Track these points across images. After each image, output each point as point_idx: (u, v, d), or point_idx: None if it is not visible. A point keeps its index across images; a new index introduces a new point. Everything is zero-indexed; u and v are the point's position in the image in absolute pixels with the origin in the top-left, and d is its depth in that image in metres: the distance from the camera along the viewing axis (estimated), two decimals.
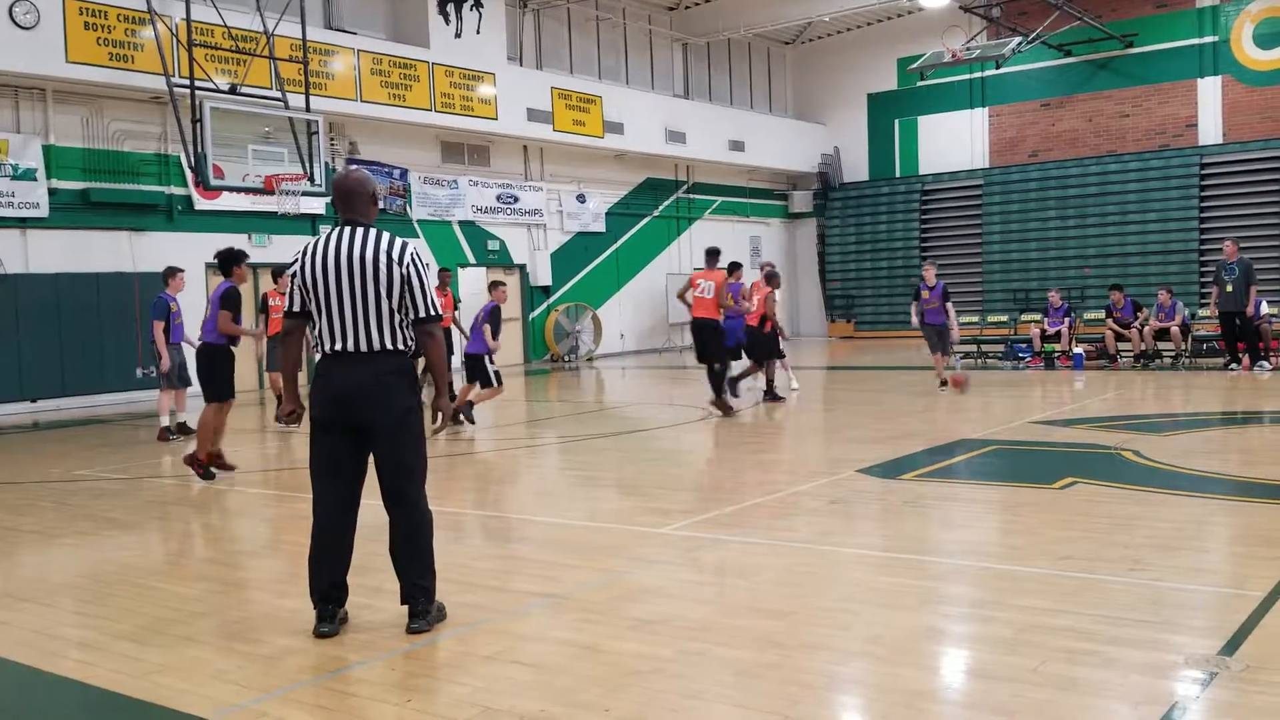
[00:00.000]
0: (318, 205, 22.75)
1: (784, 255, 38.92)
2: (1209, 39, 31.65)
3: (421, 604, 5.87)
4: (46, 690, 5.36)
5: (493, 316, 14.98)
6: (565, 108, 29.16)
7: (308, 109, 20.85)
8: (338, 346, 5.81)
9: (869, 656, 5.28)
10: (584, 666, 5.24)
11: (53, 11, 18.93)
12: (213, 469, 11.27)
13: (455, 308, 18.77)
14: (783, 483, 10.18)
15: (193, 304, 20.66)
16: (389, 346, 5.82)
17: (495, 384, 14.98)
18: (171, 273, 15.43)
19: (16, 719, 5.07)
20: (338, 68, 23.54)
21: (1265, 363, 19.31)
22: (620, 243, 32.64)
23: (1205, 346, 21.48)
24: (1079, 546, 7.16)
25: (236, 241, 22.47)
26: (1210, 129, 31.96)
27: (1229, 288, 19.29)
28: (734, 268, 18.42)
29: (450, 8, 26.16)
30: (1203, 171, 31.79)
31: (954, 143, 36.14)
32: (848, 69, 38.00)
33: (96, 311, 20.29)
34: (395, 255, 5.82)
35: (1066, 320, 22.55)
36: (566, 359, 29.43)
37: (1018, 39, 30.12)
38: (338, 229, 5.92)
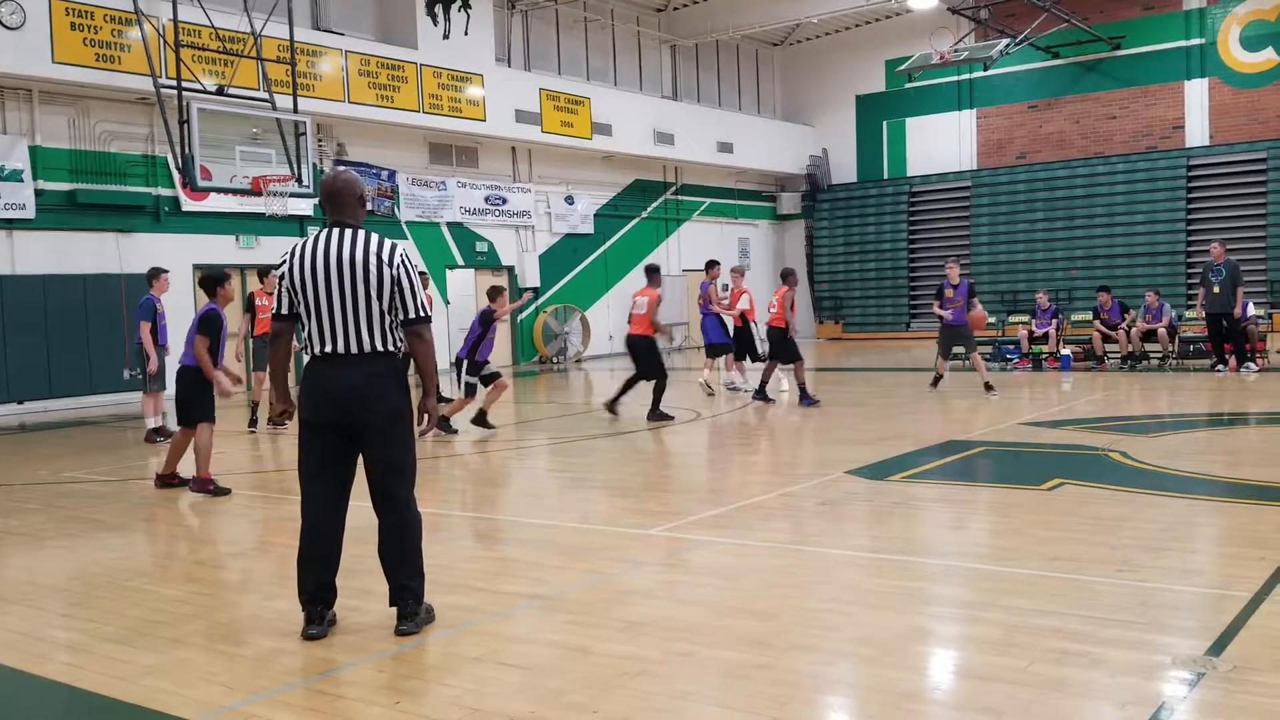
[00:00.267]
0: (305, 206, 22.73)
1: (772, 257, 38.97)
2: (1196, 41, 31.75)
3: (410, 606, 5.86)
4: (34, 693, 5.35)
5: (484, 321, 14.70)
6: (553, 109, 29.15)
7: (295, 110, 20.82)
8: (327, 348, 5.80)
9: (857, 657, 5.29)
10: (572, 668, 5.24)
11: (39, 12, 18.88)
12: (217, 483, 10.94)
13: (432, 308, 18.82)
14: (771, 484, 10.18)
15: (177, 305, 20.69)
16: (379, 348, 5.81)
17: (466, 394, 14.70)
18: (155, 274, 15.35)
19: None
20: (325, 69, 23.51)
21: (1252, 364, 19.36)
22: (609, 244, 32.63)
23: (1192, 348, 21.52)
24: (1067, 547, 7.18)
25: (224, 243, 22.51)
26: (1197, 131, 32.05)
27: (1216, 289, 19.33)
28: (710, 265, 18.69)
29: (438, 9, 26.13)
30: (1190, 173, 31.89)
31: (942, 144, 36.20)
32: (836, 71, 38.04)
33: (83, 313, 20.24)
34: (385, 257, 5.81)
35: (1054, 321, 22.59)
36: (555, 360, 29.41)
37: (1005, 41, 30.19)
38: (325, 230, 5.91)
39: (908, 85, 35.62)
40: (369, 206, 21.60)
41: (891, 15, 34.99)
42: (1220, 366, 19.50)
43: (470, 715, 4.67)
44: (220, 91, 20.00)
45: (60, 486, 11.71)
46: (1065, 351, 21.77)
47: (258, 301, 16.02)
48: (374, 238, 5.88)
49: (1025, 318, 23.72)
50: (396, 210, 26.31)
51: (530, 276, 29.81)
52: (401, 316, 5.87)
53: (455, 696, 4.91)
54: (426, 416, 6.13)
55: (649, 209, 34.32)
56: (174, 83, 19.03)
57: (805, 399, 16.59)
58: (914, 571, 6.94)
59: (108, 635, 6.10)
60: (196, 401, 10.74)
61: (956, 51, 30.36)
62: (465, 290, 28.40)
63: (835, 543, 8.01)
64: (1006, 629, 5.53)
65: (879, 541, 7.91)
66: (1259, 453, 11.50)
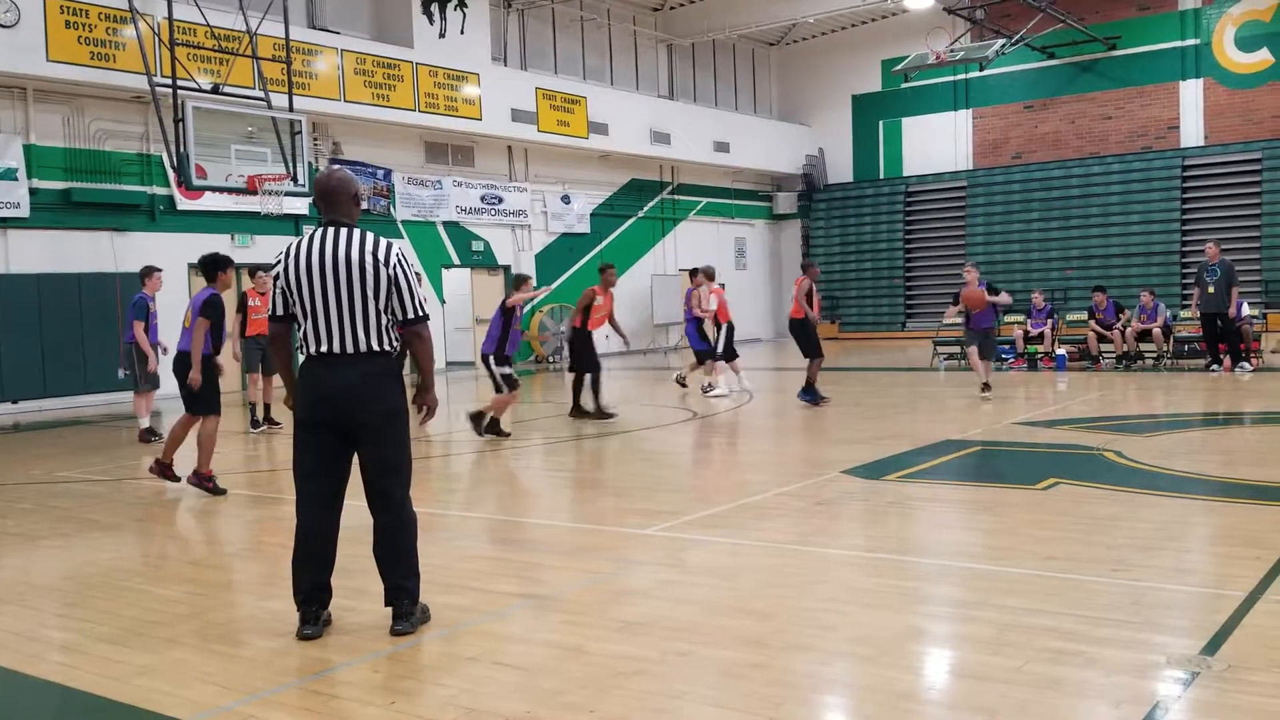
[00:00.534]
0: (301, 205, 22.70)
1: (768, 256, 39.03)
2: (1191, 42, 31.79)
3: (405, 605, 5.86)
4: (28, 693, 5.34)
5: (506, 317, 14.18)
6: (550, 108, 29.14)
7: (291, 109, 20.80)
8: (323, 348, 5.79)
9: (853, 657, 5.29)
10: (568, 668, 5.23)
11: (33, 10, 18.85)
12: (216, 481, 10.85)
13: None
14: (767, 484, 10.17)
15: (171, 304, 20.64)
16: (375, 347, 5.80)
17: (509, 388, 13.97)
18: (149, 272, 15.31)
19: None
20: (321, 67, 23.50)
21: (1246, 364, 19.38)
22: (605, 244, 32.61)
23: (1187, 348, 21.54)
24: (1062, 547, 7.18)
25: (219, 242, 22.44)
26: (1192, 131, 32.10)
27: (1211, 289, 19.34)
28: (693, 273, 18.91)
29: (434, 7, 26.08)
30: (1184, 174, 31.93)
31: (938, 144, 36.23)
32: (832, 70, 38.06)
33: (78, 312, 20.20)
34: (381, 256, 5.80)
35: (1049, 321, 22.62)
36: (551, 360, 29.40)
37: (1001, 41, 30.19)
38: (320, 230, 5.89)
39: (904, 85, 35.63)
40: (364, 205, 21.68)
41: (887, 15, 35.01)
42: (1215, 366, 19.52)
43: (466, 715, 4.67)
44: (215, 90, 19.99)
45: (54, 486, 11.70)
46: (1060, 351, 21.78)
47: (251, 302, 15.95)
48: (370, 237, 5.86)
49: (1021, 317, 23.71)
50: (392, 209, 26.29)
51: (527, 275, 29.77)
52: (400, 316, 5.86)
53: (451, 696, 4.91)
54: (425, 408, 6.12)
55: (645, 208, 34.32)
56: (169, 81, 19.02)
57: (808, 394, 16.30)
58: (910, 571, 6.95)
59: (102, 635, 6.09)
60: (202, 392, 10.61)
61: (952, 51, 30.36)
62: (461, 290, 28.40)
63: (831, 542, 8.01)
64: (1001, 628, 5.53)
65: (875, 541, 7.92)
66: (1253, 452, 11.51)
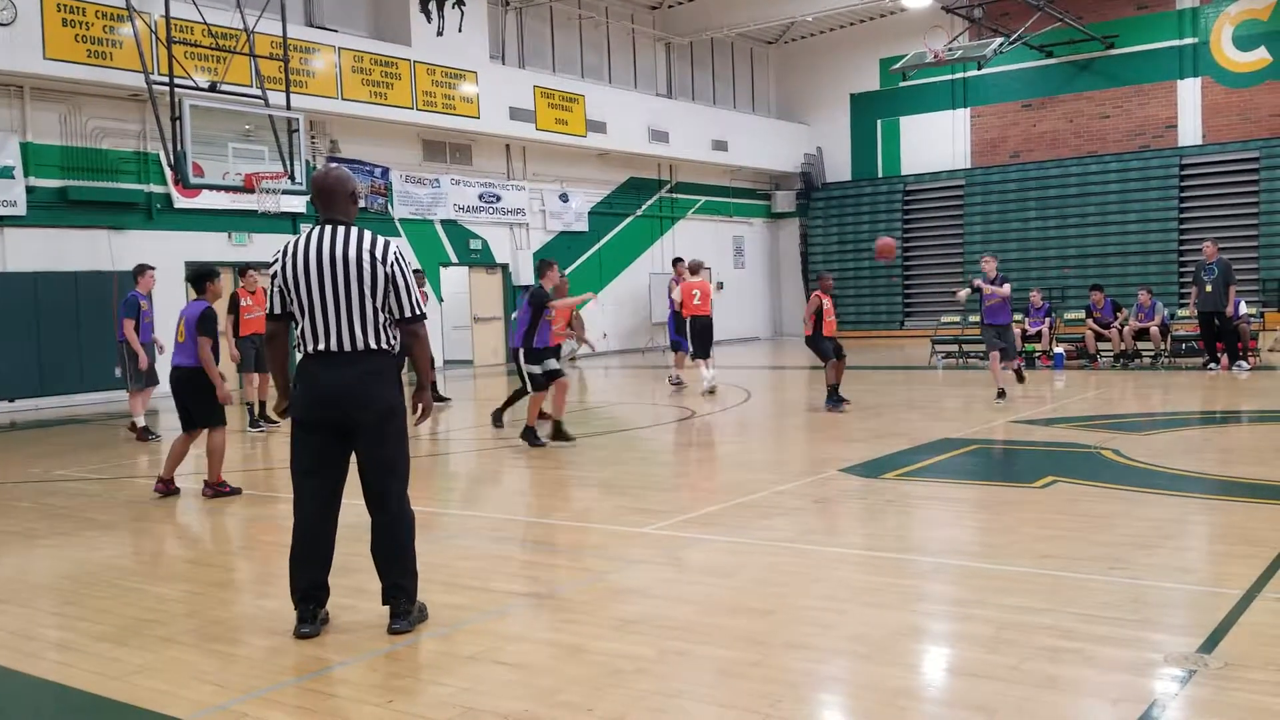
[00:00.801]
0: (298, 204, 22.71)
1: (766, 255, 39.04)
2: (1189, 40, 31.80)
3: (403, 604, 5.85)
4: (25, 692, 5.34)
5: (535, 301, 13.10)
6: (548, 106, 29.14)
7: (288, 107, 20.80)
8: (321, 346, 5.78)
9: (851, 655, 5.29)
10: (567, 666, 5.23)
11: (30, 8, 18.83)
12: (224, 488, 10.73)
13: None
14: (765, 482, 10.17)
15: (167, 303, 20.64)
16: (373, 346, 5.79)
17: (533, 388, 13.04)
18: (140, 270, 15.26)
19: None
20: (319, 65, 23.49)
21: (1244, 362, 19.39)
22: (603, 242, 32.62)
23: (1184, 346, 21.58)
24: (1059, 545, 7.19)
25: (217, 241, 22.48)
26: (1190, 130, 32.10)
27: (1208, 288, 19.35)
28: (675, 264, 19.01)
29: (432, 6, 26.11)
30: (1182, 172, 31.93)
31: (936, 143, 36.23)
32: (830, 69, 38.07)
33: (75, 311, 20.17)
34: (379, 254, 5.79)
35: (1047, 320, 22.63)
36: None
37: (999, 40, 30.20)
38: (318, 228, 5.89)
39: (902, 84, 35.59)
40: (362, 204, 21.65)
41: (886, 14, 35.00)
42: (1212, 365, 19.53)
43: (464, 714, 4.67)
44: (213, 88, 19.99)
45: (51, 485, 11.69)
46: (1058, 350, 21.80)
47: (243, 302, 15.89)
48: (367, 235, 5.86)
49: (1019, 316, 23.68)
50: (390, 208, 26.29)
51: (524, 274, 29.79)
52: (397, 315, 5.85)
53: (449, 695, 4.90)
54: (420, 408, 6.11)
55: (643, 207, 34.33)
56: (166, 79, 19.03)
57: (829, 400, 15.71)
58: (907, 569, 6.94)
59: (99, 634, 6.08)
60: (204, 405, 10.55)
61: (950, 50, 30.37)
62: (459, 288, 28.40)
63: (829, 541, 8.01)
64: (999, 626, 5.53)
65: (872, 539, 7.92)
66: (1250, 451, 11.52)
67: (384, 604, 5.91)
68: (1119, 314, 21.83)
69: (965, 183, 35.43)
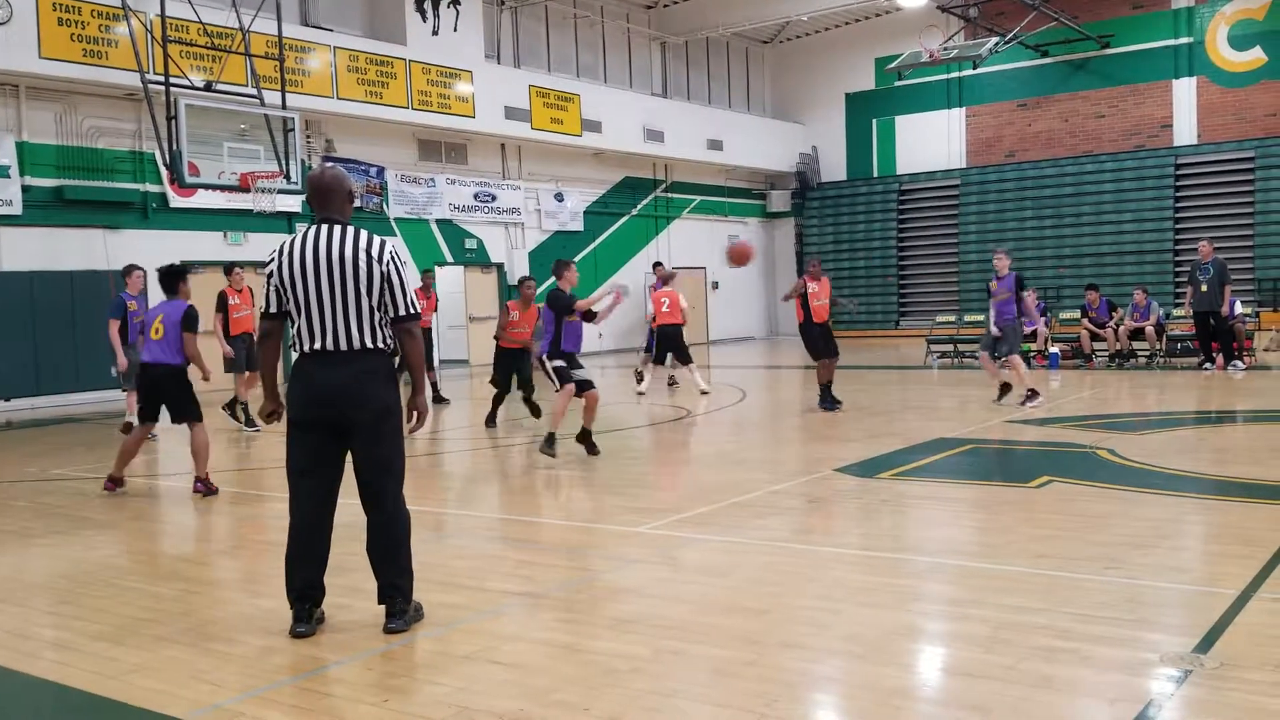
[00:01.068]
0: (294, 203, 22.69)
1: (762, 255, 38.98)
2: (1184, 40, 31.83)
3: (399, 603, 5.85)
4: (22, 691, 5.33)
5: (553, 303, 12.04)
6: (543, 106, 29.14)
7: (284, 106, 20.79)
8: (316, 345, 5.78)
9: (846, 655, 5.29)
10: (562, 666, 5.23)
11: (26, 7, 18.82)
12: (212, 484, 10.78)
13: (436, 309, 18.82)
14: (760, 482, 10.17)
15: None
16: (369, 345, 5.79)
17: (560, 383, 11.96)
18: (129, 270, 15.18)
19: None
20: (314, 65, 23.48)
21: (1239, 362, 19.41)
22: (598, 241, 32.63)
23: (1180, 346, 21.59)
24: (1055, 545, 7.19)
25: (212, 239, 22.49)
26: (1185, 130, 32.13)
27: (1203, 287, 19.37)
28: (656, 265, 19.05)
29: (427, 5, 26.12)
30: (1177, 172, 31.97)
31: (931, 143, 36.24)
32: (826, 69, 38.08)
33: (71, 310, 20.15)
34: (375, 253, 5.80)
35: (1042, 320, 22.62)
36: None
37: (995, 39, 30.22)
38: (314, 227, 5.89)
39: (897, 83, 35.61)
40: (357, 203, 21.63)
41: (881, 13, 35.02)
42: (1207, 365, 19.54)
43: (459, 713, 4.67)
44: (208, 87, 19.97)
45: (47, 484, 11.68)
46: (1053, 350, 21.81)
47: (231, 300, 15.83)
48: (363, 234, 5.86)
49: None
50: (385, 207, 26.27)
51: (519, 274, 29.77)
52: (392, 314, 5.85)
53: (444, 694, 4.91)
54: (416, 414, 6.11)
55: (639, 206, 34.33)
56: (162, 78, 19.02)
57: (823, 401, 15.67)
58: (902, 569, 6.95)
59: (96, 633, 6.08)
60: (185, 402, 10.60)
61: (946, 50, 30.40)
62: (454, 287, 28.38)
63: (824, 540, 8.02)
64: (994, 626, 5.53)
65: (868, 539, 7.92)
66: (1246, 450, 11.53)
67: (380, 603, 5.91)
68: (1114, 314, 21.85)
69: (960, 182, 35.45)
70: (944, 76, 35.26)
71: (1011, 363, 15.44)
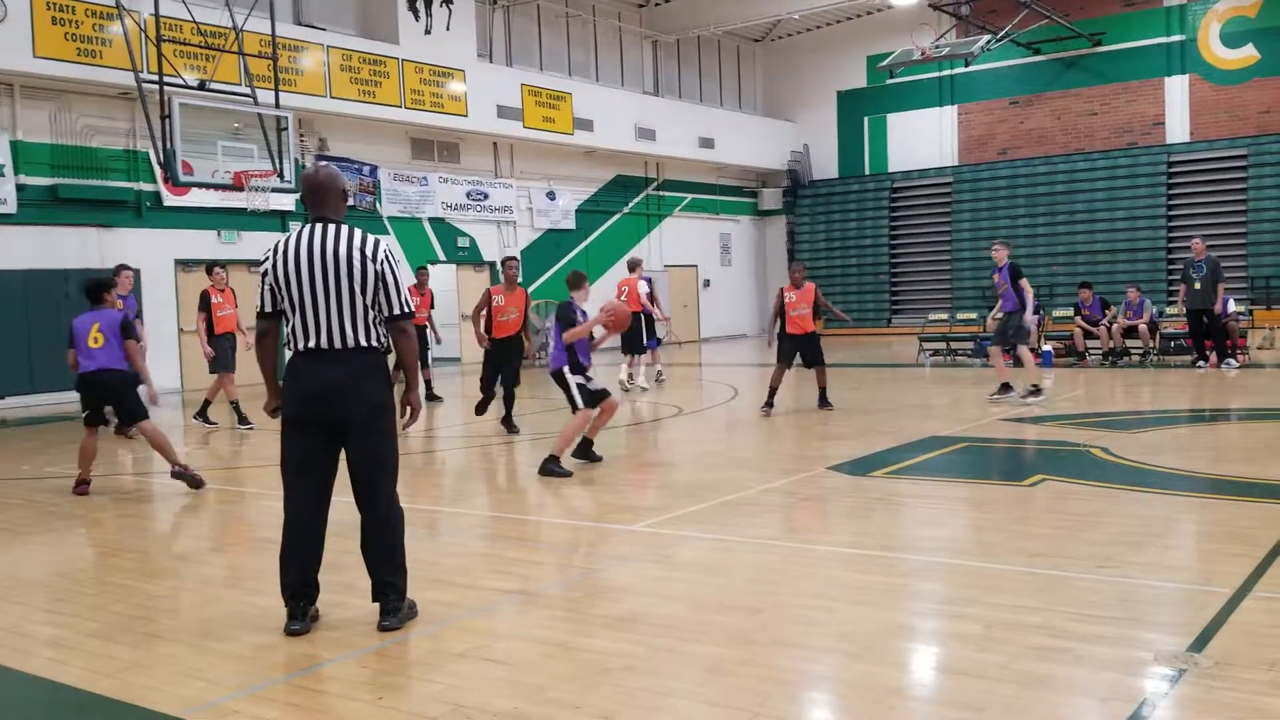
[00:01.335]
0: (287, 201, 22.68)
1: (753, 253, 39.07)
2: (1176, 38, 31.88)
3: (393, 601, 5.86)
4: (16, 688, 5.33)
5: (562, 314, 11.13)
6: (535, 104, 29.14)
7: (277, 105, 20.76)
8: (311, 344, 5.78)
9: (839, 653, 5.30)
10: (555, 664, 5.24)
11: (20, 6, 18.79)
12: (193, 472, 10.81)
13: (433, 305, 18.79)
14: (754, 480, 10.18)
15: (157, 300, 20.63)
16: (363, 343, 5.80)
17: (583, 403, 10.97)
18: (117, 271, 15.20)
19: None
20: (307, 64, 23.46)
21: (1232, 360, 19.43)
22: (590, 240, 32.62)
23: (1173, 344, 21.62)
24: (1048, 543, 7.21)
25: (206, 238, 22.48)
26: (1177, 127, 32.19)
27: (1197, 285, 19.39)
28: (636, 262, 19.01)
29: (420, 4, 26.10)
30: (1170, 170, 32.04)
31: (923, 140, 36.28)
32: (817, 67, 38.10)
33: (65, 308, 20.06)
34: (369, 252, 5.80)
35: (1036, 318, 22.60)
36: (537, 356, 29.35)
37: (987, 37, 30.26)
38: (308, 226, 5.89)
39: (889, 81, 35.62)
40: (350, 201, 21.61)
41: (873, 11, 35.06)
42: (1201, 363, 19.57)
43: (453, 711, 4.67)
44: (202, 86, 19.95)
45: (42, 482, 11.67)
46: (1047, 348, 21.80)
47: (213, 299, 15.81)
48: (357, 233, 5.87)
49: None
50: (378, 205, 26.25)
51: None
52: (386, 312, 5.86)
53: (438, 692, 4.91)
54: (409, 409, 6.12)
55: (630, 205, 34.33)
56: (155, 77, 18.99)
57: (822, 401, 15.56)
58: (896, 567, 6.96)
59: (91, 630, 6.08)
60: (129, 403, 10.84)
61: (938, 47, 30.43)
62: (447, 286, 28.32)
63: (818, 538, 8.03)
64: (988, 625, 5.54)
65: (861, 537, 7.93)
66: (1239, 448, 11.56)
67: (374, 601, 5.91)
68: (1107, 311, 21.86)
69: (953, 180, 35.50)
70: (936, 74, 35.30)
71: (1021, 354, 15.85)
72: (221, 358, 15.73)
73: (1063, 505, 8.56)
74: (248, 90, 20.77)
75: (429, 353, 19.30)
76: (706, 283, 37.10)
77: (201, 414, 15.95)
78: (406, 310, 5.90)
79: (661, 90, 35.39)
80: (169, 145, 18.81)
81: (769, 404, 15.24)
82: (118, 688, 5.13)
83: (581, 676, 5.04)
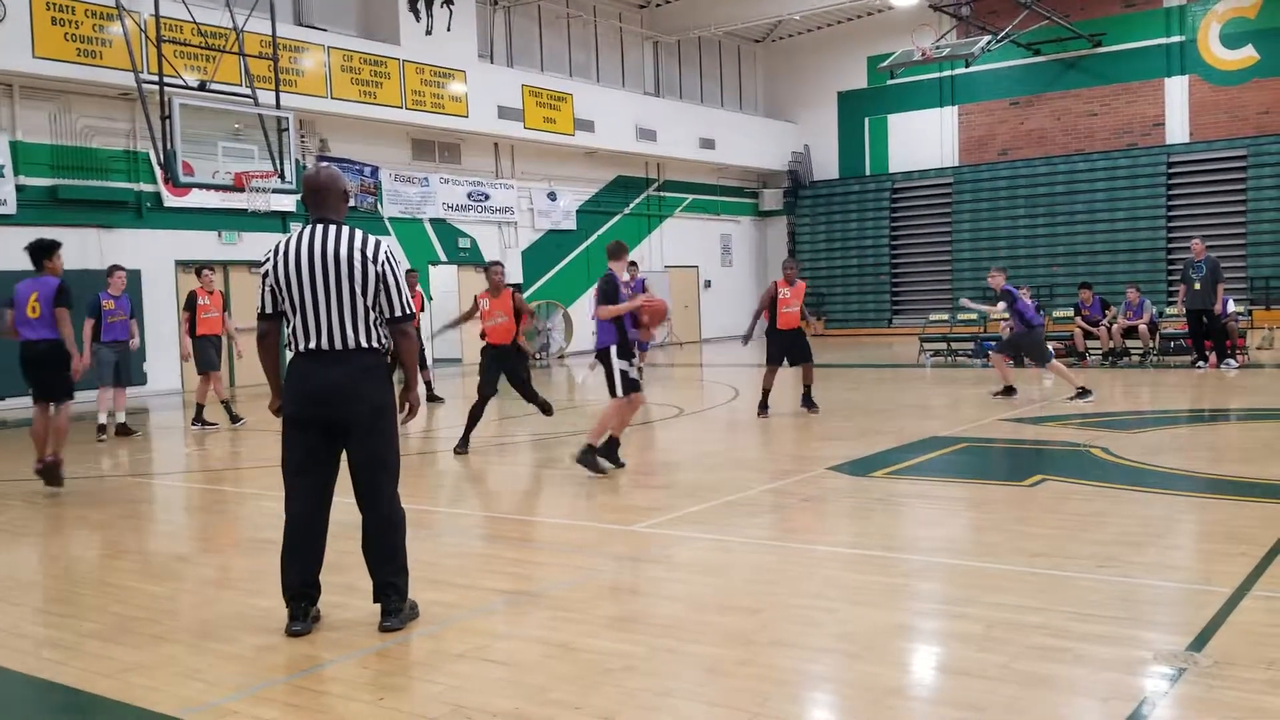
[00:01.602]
0: (288, 202, 22.70)
1: (754, 253, 39.06)
2: (1176, 39, 31.89)
3: (394, 602, 5.86)
4: (16, 689, 5.33)
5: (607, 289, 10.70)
6: (536, 105, 29.14)
7: (278, 106, 20.77)
8: (312, 345, 5.78)
9: (840, 653, 5.30)
10: (556, 664, 5.24)
11: (20, 6, 18.80)
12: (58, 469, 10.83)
13: (423, 308, 18.76)
14: (754, 480, 10.19)
15: (156, 300, 20.63)
16: (364, 344, 5.80)
17: (623, 390, 10.62)
18: (111, 270, 15.23)
19: None
20: (308, 64, 23.47)
21: (1232, 360, 19.43)
22: (591, 240, 32.60)
23: (1173, 344, 21.63)
24: (1049, 543, 7.20)
25: (206, 239, 22.48)
26: (1177, 128, 32.20)
27: (1196, 286, 19.39)
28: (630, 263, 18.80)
29: (421, 5, 26.11)
30: (1170, 170, 32.04)
31: (924, 141, 36.28)
32: (818, 67, 38.11)
33: None
34: (370, 253, 5.80)
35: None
36: (538, 356, 29.38)
37: (987, 38, 30.26)
38: (309, 227, 5.89)
39: (890, 82, 35.67)
40: (351, 202, 21.62)
41: (873, 12, 35.06)
42: (1200, 363, 19.57)
43: (454, 712, 4.67)
44: (202, 87, 19.95)
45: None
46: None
47: (199, 300, 15.85)
48: (358, 234, 5.87)
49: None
50: (379, 206, 26.27)
51: (513, 273, 29.78)
52: (387, 314, 5.86)
53: (439, 693, 4.91)
54: (409, 406, 6.13)
55: (631, 205, 34.33)
56: (156, 78, 18.99)
57: (806, 401, 15.45)
58: (896, 567, 6.95)
59: (90, 631, 6.08)
60: (57, 379, 10.86)
61: (938, 48, 30.44)
62: (448, 286, 28.36)
63: (818, 539, 8.03)
64: (988, 625, 5.54)
65: (861, 538, 7.93)
66: (1239, 448, 11.56)
67: (375, 601, 5.91)
68: (1107, 312, 21.87)
69: (954, 180, 35.50)
70: (936, 75, 35.32)
71: (1053, 368, 16.13)
72: (205, 358, 15.78)
73: (1063, 505, 8.55)
74: (248, 91, 20.78)
75: (427, 353, 19.28)
76: (707, 283, 37.10)
77: (198, 419, 15.96)
78: (408, 312, 5.90)
79: (662, 91, 35.40)
80: (169, 146, 18.82)
81: (764, 406, 15.21)
82: (117, 688, 5.13)
83: (582, 677, 5.04)
